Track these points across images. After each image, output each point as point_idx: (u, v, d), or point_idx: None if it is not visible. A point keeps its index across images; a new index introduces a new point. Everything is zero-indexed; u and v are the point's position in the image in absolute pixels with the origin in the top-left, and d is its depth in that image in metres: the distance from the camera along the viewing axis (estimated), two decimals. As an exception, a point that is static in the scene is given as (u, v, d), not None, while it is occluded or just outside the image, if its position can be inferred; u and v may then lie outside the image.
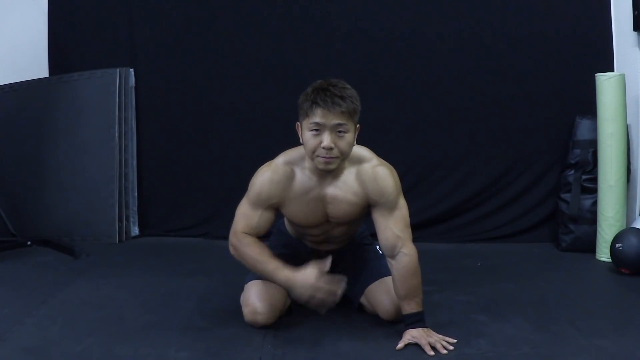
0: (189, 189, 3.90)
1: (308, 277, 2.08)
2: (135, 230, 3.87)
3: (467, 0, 3.67)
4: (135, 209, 3.88)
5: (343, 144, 2.06)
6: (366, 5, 3.73)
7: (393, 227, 2.14)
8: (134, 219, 3.87)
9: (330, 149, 2.03)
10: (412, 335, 2.09)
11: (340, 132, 2.04)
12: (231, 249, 2.22)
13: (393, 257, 2.14)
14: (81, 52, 3.89)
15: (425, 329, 2.11)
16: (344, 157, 2.11)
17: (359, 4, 3.73)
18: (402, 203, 2.18)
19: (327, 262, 2.11)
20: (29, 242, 3.54)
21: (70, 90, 3.78)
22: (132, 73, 3.84)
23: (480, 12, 3.66)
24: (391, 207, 2.15)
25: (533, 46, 3.63)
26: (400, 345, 2.07)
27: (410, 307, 2.12)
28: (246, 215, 2.19)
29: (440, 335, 2.10)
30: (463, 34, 3.67)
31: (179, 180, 3.90)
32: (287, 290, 2.16)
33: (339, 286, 2.08)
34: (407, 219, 2.18)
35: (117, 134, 3.74)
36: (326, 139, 2.03)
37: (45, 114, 3.80)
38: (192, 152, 3.88)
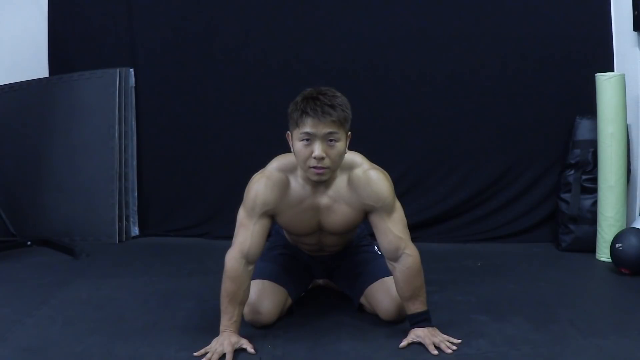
0: (189, 189, 3.90)
1: (224, 343, 2.02)
2: (135, 230, 3.87)
3: (467, 2, 3.67)
4: (135, 209, 3.88)
5: (334, 153, 2.02)
6: (367, 5, 3.73)
7: (394, 230, 2.13)
8: (134, 219, 3.87)
9: (322, 158, 2.00)
10: (417, 334, 2.09)
11: (331, 141, 2.01)
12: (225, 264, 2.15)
13: (396, 259, 2.13)
14: (81, 52, 3.89)
15: (431, 329, 2.11)
16: (336, 167, 2.08)
17: (360, 4, 3.73)
18: (398, 204, 2.17)
19: (250, 350, 2.04)
20: (29, 242, 3.54)
21: (70, 90, 3.78)
22: (132, 73, 3.84)
23: (480, 12, 3.65)
24: (389, 210, 2.14)
25: (533, 46, 3.62)
26: (404, 343, 2.08)
27: (415, 307, 2.12)
28: (243, 225, 2.14)
29: (445, 336, 2.10)
30: (463, 34, 3.67)
31: (179, 180, 3.90)
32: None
33: None
34: (405, 220, 2.17)
35: (117, 134, 3.74)
36: (317, 149, 2.00)
37: (45, 114, 3.80)
38: (192, 152, 3.88)
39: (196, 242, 3.75)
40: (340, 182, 2.15)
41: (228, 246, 2.15)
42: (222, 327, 2.08)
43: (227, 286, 2.09)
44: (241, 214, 2.16)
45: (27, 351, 2.07)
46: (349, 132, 2.08)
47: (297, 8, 3.76)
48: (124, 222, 3.78)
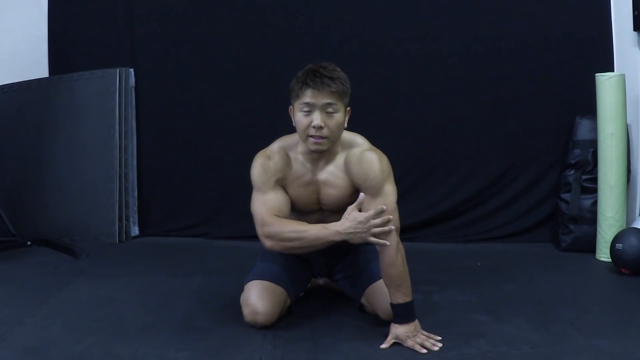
0: (189, 189, 3.90)
1: (357, 216, 2.06)
2: (135, 230, 3.87)
3: (467, 2, 3.67)
4: (135, 209, 3.88)
5: (333, 123, 2.10)
6: (367, 5, 3.73)
7: None
8: (134, 219, 3.87)
9: (321, 127, 2.08)
10: (397, 334, 2.10)
11: (329, 112, 2.09)
12: (267, 242, 2.15)
13: None
14: (81, 52, 3.89)
15: (411, 326, 2.11)
16: (334, 138, 2.14)
17: (359, 5, 3.73)
18: (389, 190, 2.16)
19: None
20: (29, 242, 3.53)
21: (70, 90, 3.78)
22: (132, 73, 3.83)
23: (480, 12, 3.65)
24: (375, 193, 2.14)
25: (533, 46, 3.62)
26: (385, 345, 2.09)
27: (396, 297, 2.12)
28: (261, 202, 2.18)
29: (425, 333, 2.11)
30: (463, 34, 3.67)
31: (179, 180, 3.90)
32: (346, 240, 2.10)
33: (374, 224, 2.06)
34: (393, 207, 2.14)
35: (117, 134, 3.74)
36: (316, 118, 2.08)
37: (45, 114, 3.80)
38: (192, 152, 3.88)
39: (196, 242, 3.74)
40: (339, 159, 2.23)
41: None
42: (334, 231, 2.08)
43: (286, 228, 2.12)
44: (254, 196, 2.21)
45: (27, 351, 2.07)
46: (349, 108, 2.15)
47: (297, 10, 3.75)
48: (124, 222, 3.78)
